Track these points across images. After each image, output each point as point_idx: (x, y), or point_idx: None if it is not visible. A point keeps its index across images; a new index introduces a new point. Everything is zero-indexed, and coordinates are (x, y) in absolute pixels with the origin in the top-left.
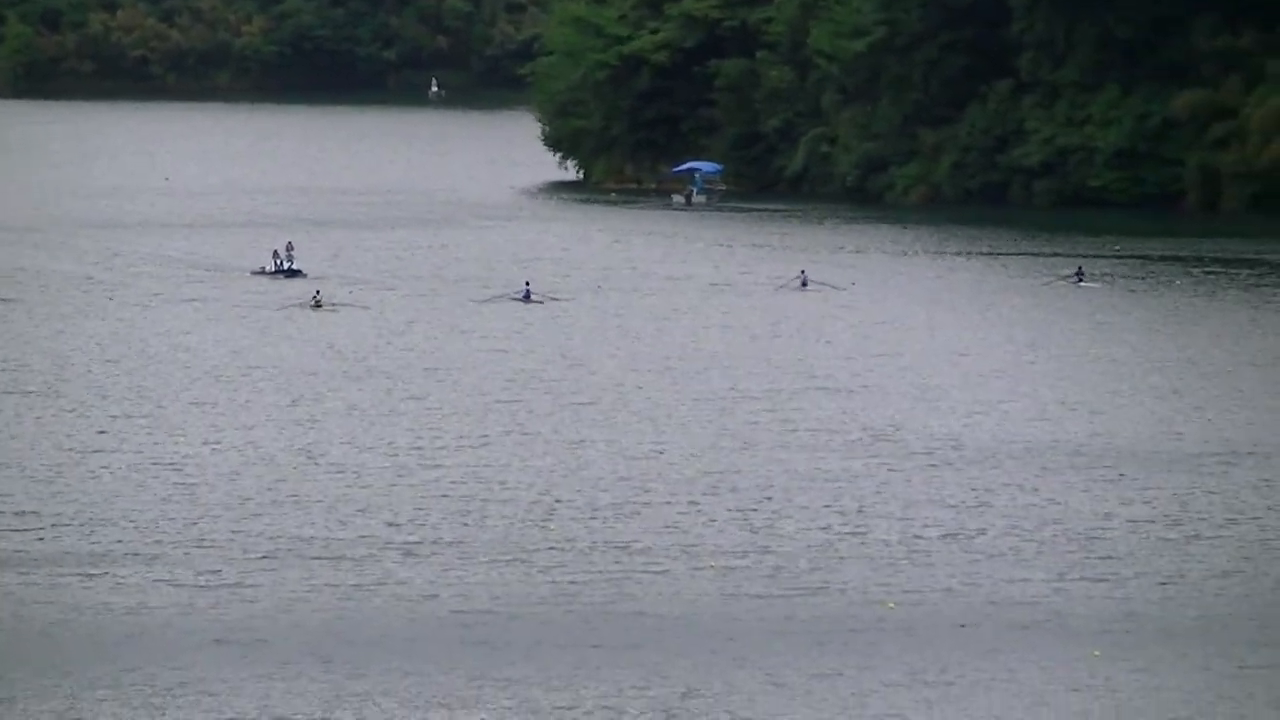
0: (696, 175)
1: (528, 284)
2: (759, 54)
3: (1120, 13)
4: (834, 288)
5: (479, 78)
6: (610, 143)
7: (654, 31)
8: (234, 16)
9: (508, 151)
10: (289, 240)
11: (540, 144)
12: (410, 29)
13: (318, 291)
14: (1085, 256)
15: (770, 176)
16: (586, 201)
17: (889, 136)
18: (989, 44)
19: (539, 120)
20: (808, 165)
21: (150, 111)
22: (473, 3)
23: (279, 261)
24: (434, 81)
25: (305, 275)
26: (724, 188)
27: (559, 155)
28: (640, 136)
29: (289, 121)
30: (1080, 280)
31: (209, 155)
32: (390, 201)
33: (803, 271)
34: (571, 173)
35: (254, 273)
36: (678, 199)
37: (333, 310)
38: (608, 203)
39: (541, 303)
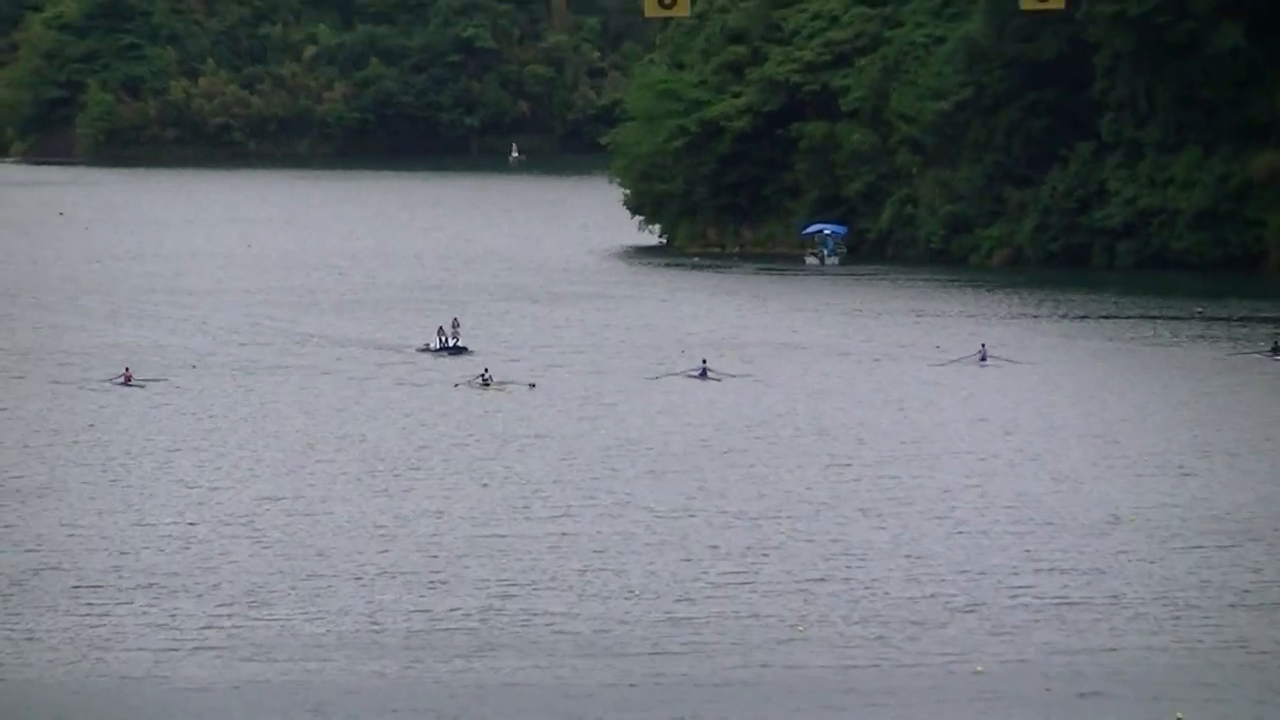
0: (828, 237)
1: (704, 361)
2: (840, 118)
3: (1202, 73)
4: (1014, 362)
5: (560, 142)
6: (693, 207)
7: (735, 96)
8: (316, 83)
9: (588, 216)
10: (454, 317)
11: (620, 208)
12: (492, 94)
13: (485, 369)
14: (1170, 319)
15: (852, 239)
16: (698, 268)
17: (972, 197)
18: (1072, 105)
19: (618, 185)
20: (892, 227)
21: (232, 178)
22: (555, 68)
23: (444, 338)
24: (514, 147)
25: (471, 352)
26: (845, 249)
27: (640, 220)
28: (722, 201)
29: (371, 188)
30: (1277, 354)
31: (290, 222)
32: (489, 270)
33: (983, 345)
34: (653, 237)
35: (419, 350)
36: (811, 261)
37: (500, 389)
38: (731, 269)
39: (719, 380)
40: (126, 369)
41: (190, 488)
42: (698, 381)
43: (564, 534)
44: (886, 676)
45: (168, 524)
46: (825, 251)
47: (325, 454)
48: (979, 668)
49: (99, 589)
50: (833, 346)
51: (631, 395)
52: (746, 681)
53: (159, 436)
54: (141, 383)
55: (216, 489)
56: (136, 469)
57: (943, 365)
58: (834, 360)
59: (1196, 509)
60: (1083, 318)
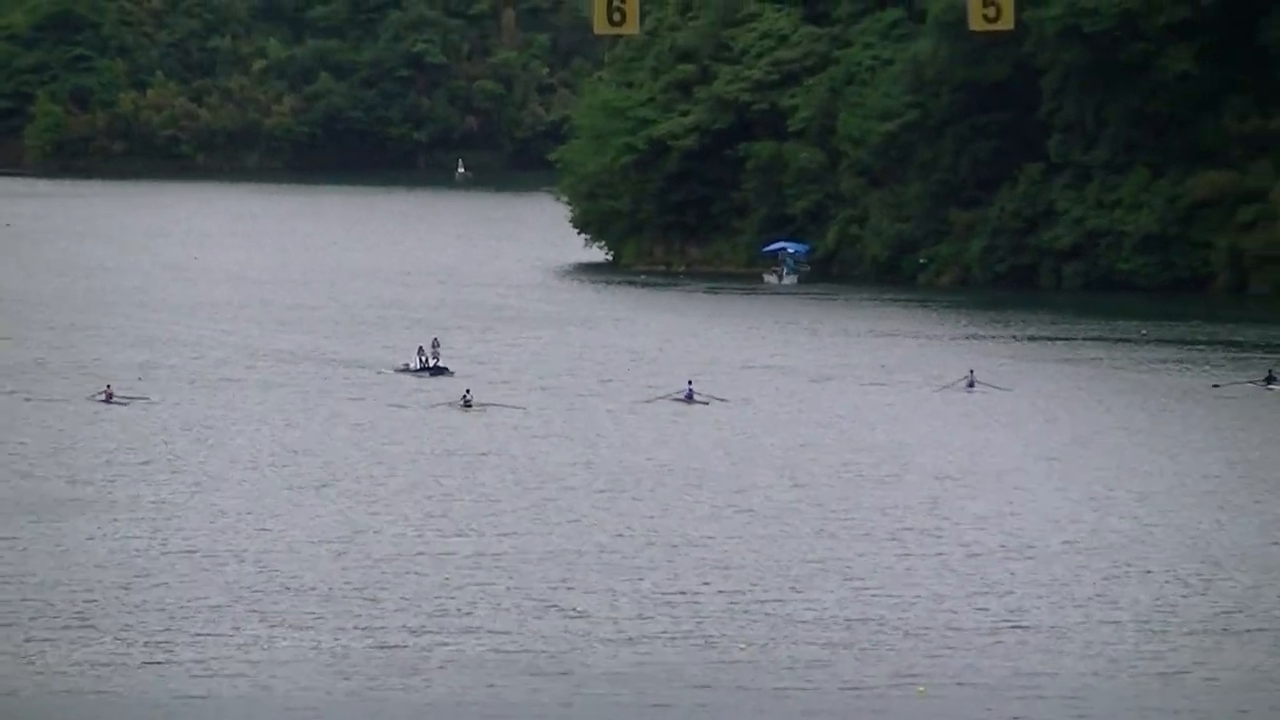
0: (788, 256)
1: (690, 384)
2: (788, 138)
3: (1150, 95)
4: (1001, 389)
5: (509, 158)
6: (639, 225)
7: (683, 114)
8: (264, 96)
9: (534, 233)
10: (435, 336)
11: (565, 225)
12: (441, 110)
13: (468, 391)
14: (1118, 340)
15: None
16: (652, 287)
17: (919, 218)
18: (1020, 127)
19: (565, 203)
20: (838, 246)
21: (180, 191)
22: (504, 85)
23: (424, 359)
24: (460, 163)
25: (451, 373)
26: (808, 267)
27: (587, 237)
28: (669, 219)
29: (318, 202)
30: (1271, 383)
31: (239, 235)
32: (440, 287)
33: (970, 372)
34: (600, 255)
35: (398, 370)
36: (770, 279)
37: (482, 411)
38: (686, 288)
39: (706, 403)
40: (108, 386)
41: (145, 504)
42: (681, 404)
43: (513, 552)
44: (830, 698)
45: (119, 540)
46: (785, 270)
47: (281, 471)
48: (921, 688)
49: (50, 605)
50: (806, 370)
51: (605, 417)
52: (691, 703)
53: (116, 452)
54: (124, 400)
55: (169, 504)
56: (95, 485)
57: (937, 390)
58: (807, 384)
59: (1149, 535)
60: (1045, 340)
